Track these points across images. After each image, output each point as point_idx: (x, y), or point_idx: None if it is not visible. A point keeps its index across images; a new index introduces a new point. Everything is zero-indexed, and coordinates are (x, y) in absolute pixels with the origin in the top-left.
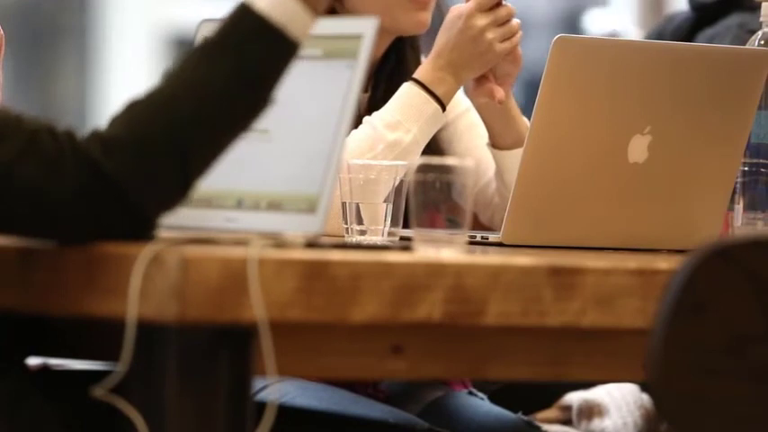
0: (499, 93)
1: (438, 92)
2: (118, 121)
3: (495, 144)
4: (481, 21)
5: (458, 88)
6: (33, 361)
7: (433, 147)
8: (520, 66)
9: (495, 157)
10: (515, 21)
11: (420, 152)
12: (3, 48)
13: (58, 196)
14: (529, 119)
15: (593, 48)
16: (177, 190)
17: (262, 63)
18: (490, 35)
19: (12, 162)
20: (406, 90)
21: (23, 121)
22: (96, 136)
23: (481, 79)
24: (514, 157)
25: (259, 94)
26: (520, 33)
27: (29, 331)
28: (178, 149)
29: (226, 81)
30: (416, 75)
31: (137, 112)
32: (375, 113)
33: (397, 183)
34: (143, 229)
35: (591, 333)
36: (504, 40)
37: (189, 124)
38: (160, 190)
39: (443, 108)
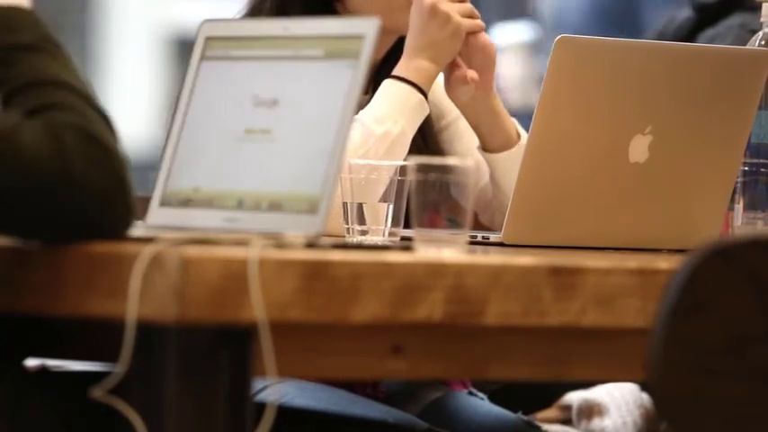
0: (471, 73)
1: (418, 81)
2: (38, 125)
3: (485, 147)
4: None
5: (437, 72)
6: (32, 362)
7: (434, 147)
8: (493, 57)
9: (486, 160)
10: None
11: (409, 143)
12: None
13: (57, 157)
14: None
15: (595, 48)
16: (113, 129)
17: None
18: (444, 7)
19: (8, 130)
20: (387, 86)
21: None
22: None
23: (452, 67)
24: (505, 160)
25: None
26: (481, 22)
27: (27, 332)
28: (84, 95)
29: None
30: (394, 72)
31: (34, 107)
32: (361, 111)
33: (395, 181)
34: (129, 180)
35: (591, 333)
36: (464, 17)
37: (50, 76)
38: (114, 134)
39: (426, 97)
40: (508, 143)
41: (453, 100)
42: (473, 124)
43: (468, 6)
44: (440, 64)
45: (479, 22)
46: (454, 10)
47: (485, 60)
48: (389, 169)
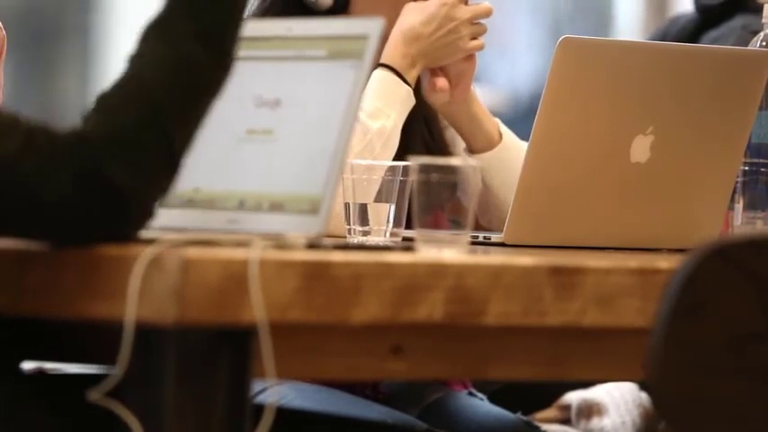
0: (441, 83)
1: (408, 77)
2: (92, 117)
3: (469, 148)
4: (463, 14)
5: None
6: (29, 364)
7: (437, 147)
8: (473, 67)
9: None
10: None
11: (399, 136)
12: (4, 48)
13: (55, 194)
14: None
15: (597, 48)
16: (167, 172)
17: (216, 18)
18: (465, 30)
19: (10, 159)
20: (380, 77)
21: (20, 120)
22: (75, 134)
23: (431, 74)
24: (488, 160)
25: (222, 51)
26: (482, 42)
27: (25, 334)
28: (158, 130)
29: (187, 47)
30: (387, 60)
31: (108, 104)
32: None
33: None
34: (141, 219)
35: (591, 333)
36: (472, 38)
37: (162, 101)
38: (150, 177)
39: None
40: (490, 144)
41: (431, 102)
42: (453, 125)
43: (484, 29)
44: (426, 67)
45: (482, 43)
46: (470, 32)
47: (464, 69)
48: (392, 169)
